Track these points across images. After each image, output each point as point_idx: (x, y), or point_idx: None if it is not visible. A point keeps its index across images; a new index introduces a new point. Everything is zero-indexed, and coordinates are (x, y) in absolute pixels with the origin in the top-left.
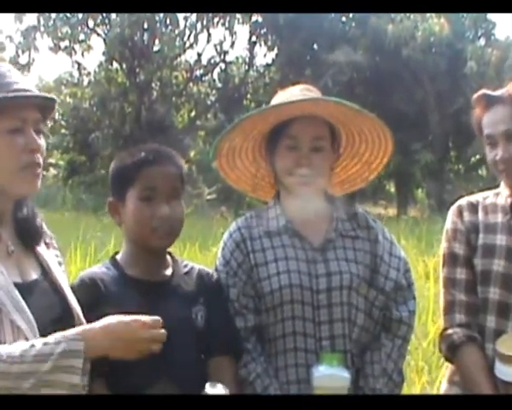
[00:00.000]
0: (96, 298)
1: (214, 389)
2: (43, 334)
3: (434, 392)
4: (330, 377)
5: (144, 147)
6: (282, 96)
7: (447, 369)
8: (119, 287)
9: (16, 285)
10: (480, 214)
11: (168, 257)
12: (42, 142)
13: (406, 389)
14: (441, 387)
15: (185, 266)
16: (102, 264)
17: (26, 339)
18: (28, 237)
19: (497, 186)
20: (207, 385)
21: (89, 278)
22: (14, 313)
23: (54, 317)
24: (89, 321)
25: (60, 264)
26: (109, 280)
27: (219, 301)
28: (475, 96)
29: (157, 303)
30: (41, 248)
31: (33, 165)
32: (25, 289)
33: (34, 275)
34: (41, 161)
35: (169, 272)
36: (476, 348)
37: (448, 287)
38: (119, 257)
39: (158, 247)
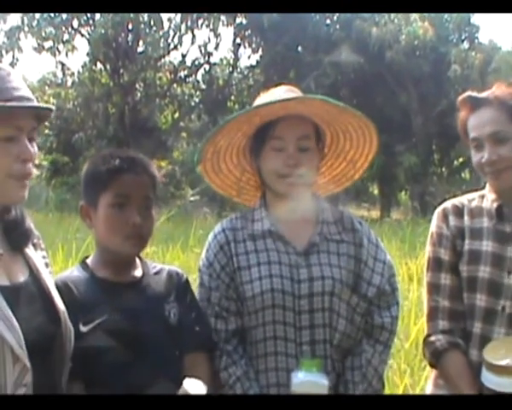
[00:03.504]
0: (69, 302)
1: (192, 385)
2: (29, 339)
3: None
4: (309, 383)
5: (118, 153)
6: (266, 98)
7: (432, 371)
8: (92, 290)
9: (4, 288)
10: (466, 218)
11: (136, 259)
12: (35, 149)
13: (388, 392)
14: (426, 389)
15: (154, 266)
16: (74, 268)
17: (11, 350)
18: (17, 239)
19: (481, 189)
20: (185, 382)
21: (61, 282)
22: None
23: (40, 321)
24: None
25: (47, 265)
26: (81, 283)
27: (190, 298)
28: (461, 98)
29: (130, 304)
30: (29, 250)
31: (24, 175)
32: (12, 292)
33: (22, 277)
34: (32, 170)
35: (139, 273)
36: (459, 355)
37: (432, 292)
38: (89, 260)
39: (128, 254)
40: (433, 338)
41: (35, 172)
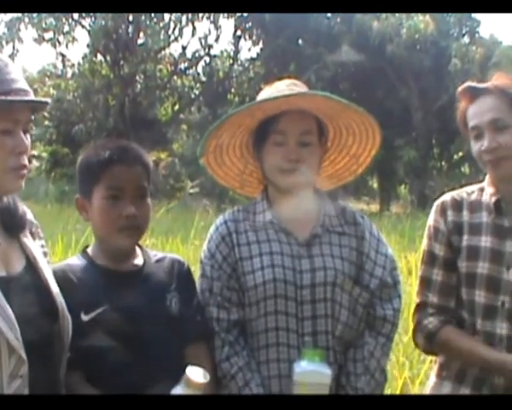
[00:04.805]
0: (68, 290)
1: (195, 373)
2: (26, 330)
3: (416, 388)
4: (311, 373)
5: (110, 143)
6: (269, 92)
7: (435, 363)
8: (92, 278)
9: (0, 279)
10: (465, 213)
11: (137, 247)
12: (29, 141)
13: (387, 386)
14: (429, 382)
15: (155, 255)
16: (75, 257)
17: (7, 341)
18: (12, 226)
19: (480, 181)
20: (188, 369)
21: (60, 270)
22: None
23: (37, 312)
24: None
25: (45, 254)
26: (81, 271)
27: (191, 287)
28: (460, 88)
29: (131, 293)
30: (27, 239)
31: (20, 167)
32: (9, 282)
33: (19, 268)
34: (26, 161)
35: (140, 261)
36: (454, 328)
37: (423, 286)
38: (89, 250)
39: (124, 246)
40: (425, 322)
41: (35, 163)
